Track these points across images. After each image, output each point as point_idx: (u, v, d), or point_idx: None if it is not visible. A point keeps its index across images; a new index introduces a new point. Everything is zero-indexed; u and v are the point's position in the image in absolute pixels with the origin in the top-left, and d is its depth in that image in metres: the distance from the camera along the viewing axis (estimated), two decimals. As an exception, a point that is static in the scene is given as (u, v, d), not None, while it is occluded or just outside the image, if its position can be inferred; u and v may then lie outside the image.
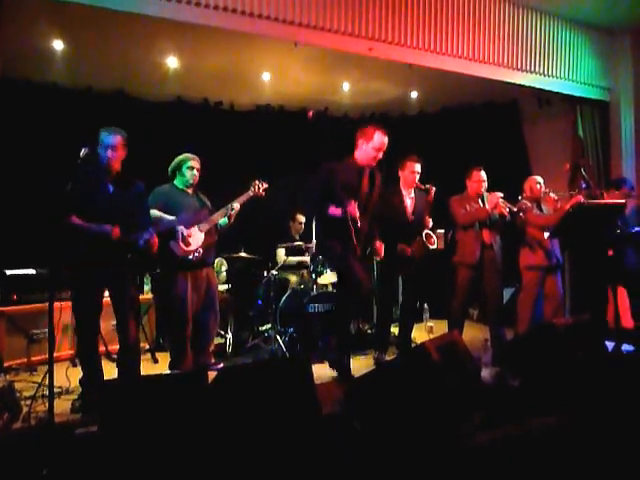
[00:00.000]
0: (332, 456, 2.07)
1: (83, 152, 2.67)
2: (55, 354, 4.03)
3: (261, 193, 3.81)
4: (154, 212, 3.43)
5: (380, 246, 3.74)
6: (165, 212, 3.48)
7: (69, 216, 2.94)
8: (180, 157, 3.69)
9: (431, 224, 4.16)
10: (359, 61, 4.60)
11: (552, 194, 4.26)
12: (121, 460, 1.73)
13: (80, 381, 3.20)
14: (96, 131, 3.20)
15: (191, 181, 3.67)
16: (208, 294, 3.70)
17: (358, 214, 3.37)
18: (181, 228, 3.43)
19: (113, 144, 3.05)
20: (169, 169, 3.73)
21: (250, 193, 3.78)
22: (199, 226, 3.56)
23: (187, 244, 3.48)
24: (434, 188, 4.10)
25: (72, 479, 1.94)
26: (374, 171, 3.58)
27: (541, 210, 4.38)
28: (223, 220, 3.73)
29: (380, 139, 3.41)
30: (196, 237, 3.53)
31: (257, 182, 3.82)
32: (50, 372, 2.20)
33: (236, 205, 3.70)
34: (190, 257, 3.50)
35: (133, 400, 1.84)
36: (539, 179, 4.42)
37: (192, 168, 3.65)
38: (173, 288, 3.51)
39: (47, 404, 2.38)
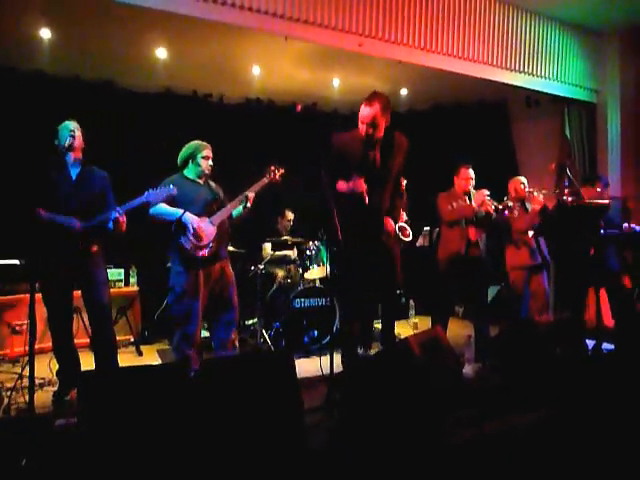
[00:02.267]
0: (313, 449, 2.08)
1: (68, 141, 2.65)
2: (38, 346, 4.00)
3: (277, 179, 3.54)
4: (160, 206, 3.20)
5: (387, 220, 3.30)
6: (174, 204, 3.23)
7: (36, 209, 2.91)
8: (192, 145, 3.42)
9: (405, 217, 4.12)
10: (349, 57, 4.60)
11: (536, 193, 4.30)
12: (100, 451, 1.73)
13: (57, 373, 3.19)
14: (83, 121, 3.20)
15: (206, 172, 3.42)
16: (223, 289, 3.42)
17: (366, 188, 3.07)
18: (191, 222, 3.19)
19: (72, 128, 3.08)
20: (180, 158, 3.45)
21: (265, 180, 3.49)
22: (211, 219, 3.32)
23: (199, 239, 3.22)
24: (405, 181, 4.04)
25: (51, 470, 1.93)
26: (397, 140, 3.25)
27: (526, 209, 4.42)
28: (237, 210, 3.46)
29: (362, 111, 3.12)
30: (208, 230, 3.27)
31: (273, 167, 3.54)
32: (31, 363, 2.19)
33: (251, 194, 3.40)
34: (201, 252, 3.24)
35: (113, 391, 1.84)
36: (523, 179, 4.47)
37: (207, 158, 3.40)
38: (183, 287, 3.26)
39: (28, 395, 2.36)
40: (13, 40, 4.22)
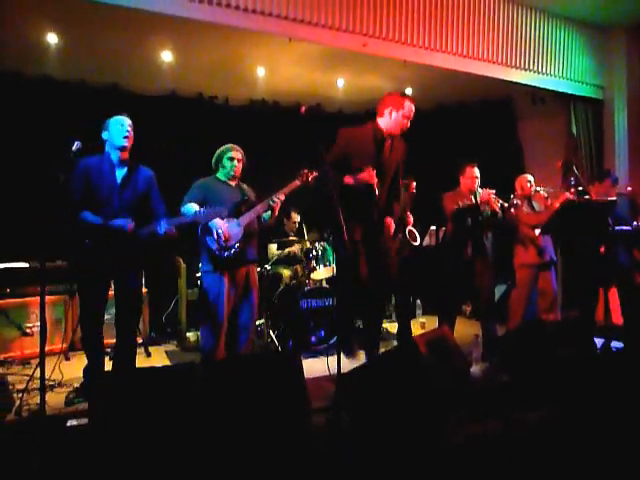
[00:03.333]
0: (320, 449, 2.09)
1: (75, 146, 2.67)
2: (48, 347, 4.06)
3: (310, 182, 3.52)
4: (190, 206, 3.28)
5: (390, 222, 3.40)
6: (204, 204, 3.25)
7: (81, 211, 2.95)
8: (221, 148, 3.53)
9: (412, 220, 4.11)
10: (353, 57, 4.60)
11: (542, 191, 4.29)
12: (111, 452, 1.75)
13: (84, 370, 3.21)
14: (90, 125, 3.20)
15: (232, 172, 3.49)
16: (246, 293, 3.48)
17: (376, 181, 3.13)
18: (217, 226, 3.24)
19: (127, 127, 3.05)
20: (213, 161, 3.57)
21: (297, 182, 3.50)
22: (238, 220, 3.36)
23: (225, 240, 3.25)
24: (414, 182, 4.03)
25: (63, 471, 1.95)
26: (397, 141, 3.36)
27: (532, 207, 4.41)
28: (267, 214, 3.53)
29: (410, 107, 3.27)
30: (234, 232, 3.31)
31: (306, 170, 3.52)
32: (41, 365, 2.21)
33: (280, 197, 3.43)
34: (226, 253, 3.29)
35: (123, 392, 1.86)
36: (529, 177, 4.46)
37: (232, 159, 3.47)
38: (209, 286, 3.36)
39: (39, 397, 2.39)
40: (19, 45, 4.25)
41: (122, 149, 3.07)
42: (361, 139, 3.22)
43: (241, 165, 3.53)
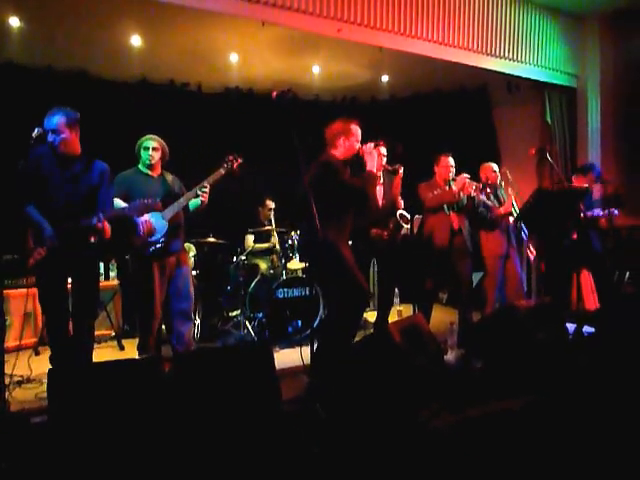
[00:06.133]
0: (292, 441, 2.06)
1: (36, 132, 2.58)
2: (18, 342, 3.97)
3: (235, 170, 3.51)
4: (117, 201, 3.18)
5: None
6: (128, 199, 3.21)
7: (26, 205, 2.83)
8: (141, 138, 3.44)
9: (402, 204, 4.12)
10: (329, 43, 4.54)
11: (510, 190, 4.29)
12: (72, 448, 1.69)
13: (50, 359, 3.07)
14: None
15: (147, 162, 3.38)
16: (178, 281, 3.41)
17: None
18: (141, 221, 3.15)
19: (53, 127, 2.86)
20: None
21: (222, 171, 3.46)
22: (162, 213, 3.27)
23: (149, 235, 3.20)
24: (402, 167, 4.02)
25: (26, 467, 1.89)
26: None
27: (497, 197, 4.43)
28: (194, 202, 3.44)
29: (358, 130, 3.36)
30: (158, 226, 3.24)
31: (231, 157, 3.50)
32: (0, 361, 2.13)
33: (206, 185, 3.38)
34: (152, 248, 3.25)
35: (85, 387, 1.80)
36: (494, 167, 4.47)
37: (147, 148, 3.37)
38: (138, 277, 3.31)
39: (6, 393, 2.32)
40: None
41: (56, 150, 2.91)
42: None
43: (157, 154, 3.42)
